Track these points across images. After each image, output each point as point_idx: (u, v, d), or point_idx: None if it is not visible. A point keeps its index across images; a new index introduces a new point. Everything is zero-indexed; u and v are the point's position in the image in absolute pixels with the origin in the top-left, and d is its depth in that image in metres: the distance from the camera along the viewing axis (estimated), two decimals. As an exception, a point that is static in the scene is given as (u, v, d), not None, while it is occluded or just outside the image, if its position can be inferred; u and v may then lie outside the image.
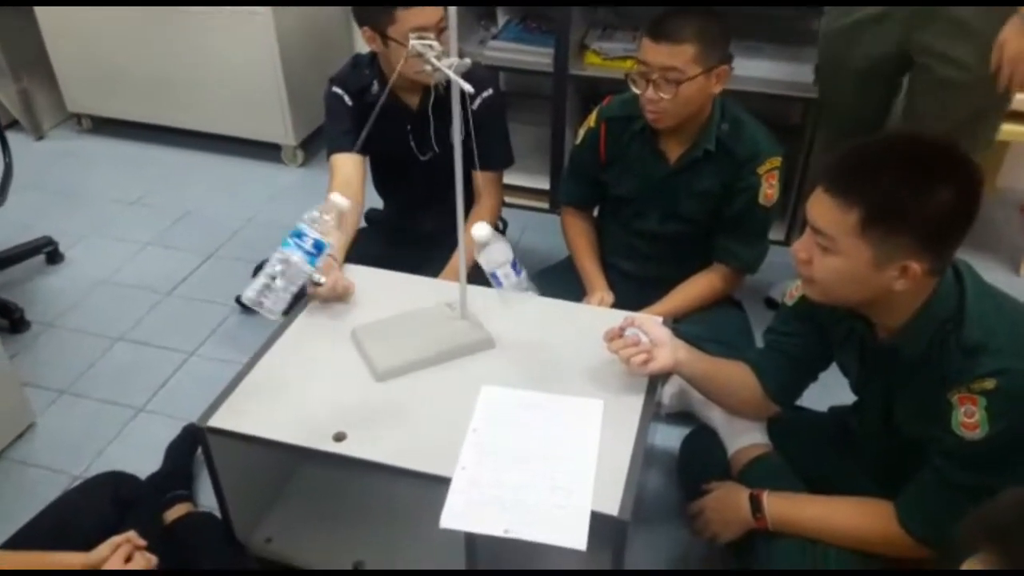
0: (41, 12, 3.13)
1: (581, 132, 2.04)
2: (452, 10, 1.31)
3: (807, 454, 1.60)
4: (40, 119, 3.41)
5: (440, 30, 1.79)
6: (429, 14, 1.80)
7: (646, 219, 2.02)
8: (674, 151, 1.92)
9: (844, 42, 2.05)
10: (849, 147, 1.24)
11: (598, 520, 1.26)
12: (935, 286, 1.25)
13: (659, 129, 1.87)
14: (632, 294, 1.96)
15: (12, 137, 3.22)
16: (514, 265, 1.56)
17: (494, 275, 1.57)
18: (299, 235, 1.37)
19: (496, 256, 1.54)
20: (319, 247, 1.38)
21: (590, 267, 2.07)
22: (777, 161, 1.88)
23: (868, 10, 1.97)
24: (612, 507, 1.27)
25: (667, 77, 1.74)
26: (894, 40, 1.97)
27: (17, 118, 3.36)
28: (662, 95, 1.75)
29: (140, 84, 3.18)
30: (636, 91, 1.81)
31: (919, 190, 1.15)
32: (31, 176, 3.07)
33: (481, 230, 1.52)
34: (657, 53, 1.73)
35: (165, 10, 2.95)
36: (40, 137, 3.41)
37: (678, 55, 1.72)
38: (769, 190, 1.88)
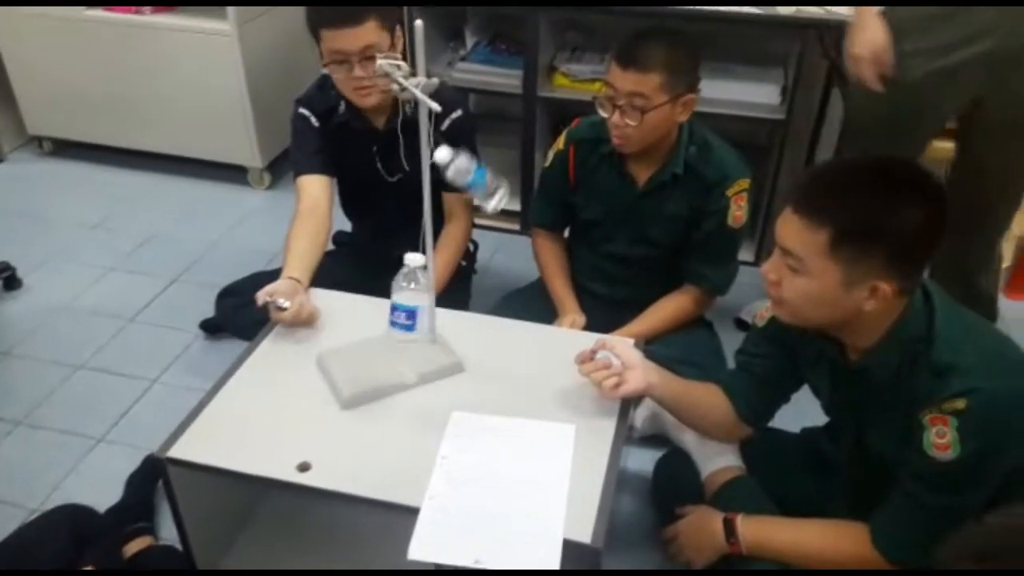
0: (0, 32, 3.07)
1: (550, 155, 2.04)
2: (419, 27, 1.29)
3: (780, 476, 1.60)
4: (-1, 142, 3.34)
5: (365, 58, 1.76)
6: (349, 39, 1.76)
7: (615, 242, 2.01)
8: (642, 174, 1.92)
9: (937, 86, 1.82)
10: (817, 167, 1.25)
11: (571, 548, 1.23)
12: (904, 307, 1.25)
13: (626, 153, 1.87)
14: (603, 316, 1.96)
15: (-31, 160, 3.19)
16: (480, 166, 1.46)
17: (471, 184, 1.46)
18: (393, 309, 1.45)
19: (463, 165, 1.44)
20: (412, 314, 1.47)
21: (561, 289, 2.06)
22: (746, 183, 1.88)
23: (963, 52, 1.77)
24: (585, 534, 1.25)
25: (633, 104, 1.74)
26: (979, 83, 1.81)
27: (-25, 141, 3.30)
28: (628, 121, 1.76)
29: (103, 106, 3.13)
30: (603, 114, 1.81)
31: (888, 209, 1.15)
32: (-11, 200, 3.01)
33: (440, 153, 1.40)
34: (624, 80, 1.74)
35: (129, 30, 2.91)
36: (-1, 160, 3.35)
37: (644, 83, 1.72)
38: (738, 212, 1.89)
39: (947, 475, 1.21)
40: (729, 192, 1.87)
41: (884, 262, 1.17)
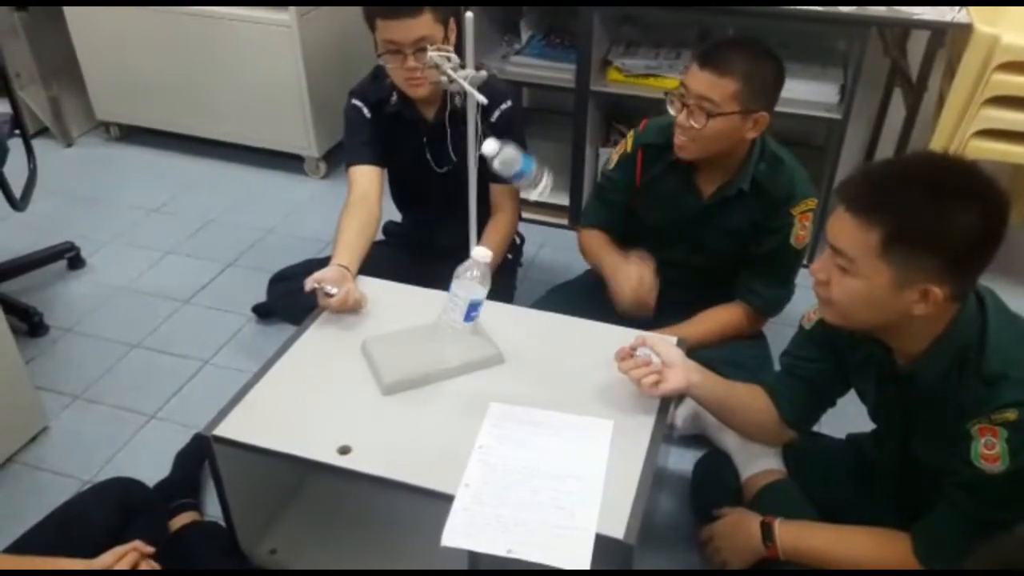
0: (72, 20, 3.18)
1: (615, 157, 2.00)
2: (469, 19, 1.30)
3: (822, 481, 1.57)
4: (69, 127, 3.45)
5: (419, 49, 1.77)
6: (401, 30, 1.78)
7: (673, 249, 1.97)
8: (708, 186, 1.88)
9: None
10: (872, 164, 1.22)
11: (603, 543, 1.23)
12: (956, 312, 1.22)
13: (689, 161, 1.82)
14: (652, 317, 1.92)
15: (42, 144, 3.31)
16: (527, 155, 1.46)
17: (519, 174, 1.46)
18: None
19: (510, 155, 1.44)
20: (474, 306, 1.48)
21: (614, 252, 1.94)
22: (813, 203, 1.84)
23: None
24: (618, 530, 1.24)
25: (701, 106, 1.69)
26: None
27: (47, 125, 3.41)
28: (692, 123, 1.71)
29: (167, 93, 3.22)
30: (672, 112, 1.77)
31: (944, 211, 1.12)
32: (58, 182, 3.12)
33: (487, 145, 1.42)
34: (699, 80, 1.69)
35: (193, 20, 2.99)
36: (69, 144, 3.46)
37: (718, 87, 1.67)
38: (801, 231, 1.84)
39: (994, 488, 1.18)
40: (795, 211, 1.82)
41: (937, 265, 1.14)
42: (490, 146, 1.39)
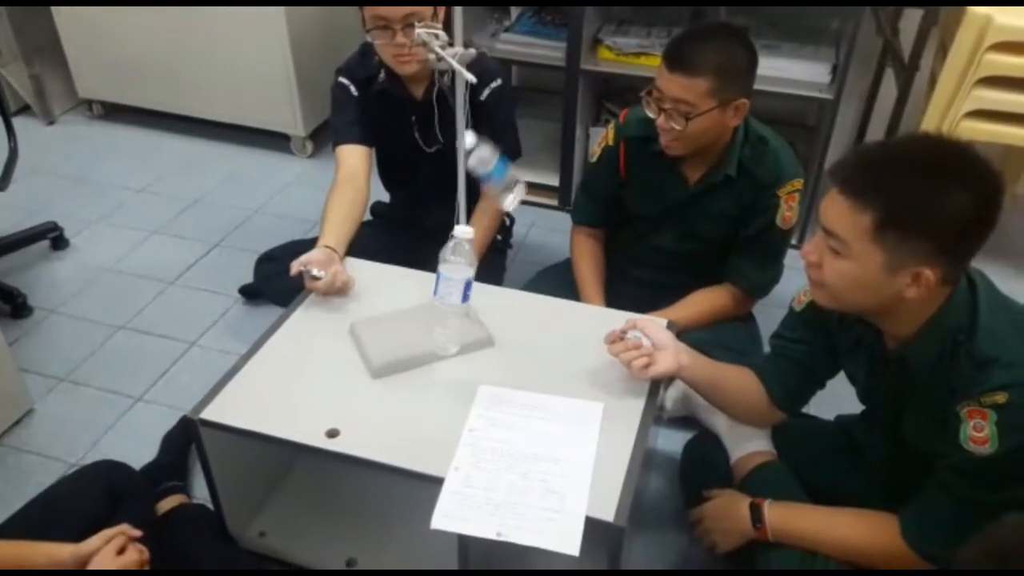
0: (54, -2, 3.13)
1: (597, 150, 1.98)
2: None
3: (812, 463, 1.57)
4: (51, 105, 3.40)
5: (407, 25, 1.74)
6: (391, 6, 1.74)
7: (661, 236, 1.97)
8: (693, 173, 1.86)
9: None
10: (865, 146, 1.20)
11: (594, 525, 1.23)
12: (948, 295, 1.21)
13: (675, 155, 1.81)
14: (642, 300, 1.91)
15: (23, 122, 3.26)
16: (502, 158, 1.44)
17: (490, 175, 1.44)
18: (443, 280, 1.44)
19: (485, 154, 1.41)
20: (468, 285, 1.47)
21: (593, 297, 1.98)
22: (799, 183, 1.83)
23: None
24: (608, 512, 1.24)
25: (678, 109, 1.67)
26: None
27: (29, 103, 3.36)
28: (673, 125, 1.69)
29: (151, 71, 3.16)
30: (649, 114, 1.74)
31: (937, 193, 1.11)
32: (40, 161, 3.07)
33: (466, 139, 1.40)
34: (670, 84, 1.66)
35: (177, -3, 2.94)
36: (51, 122, 3.41)
37: (691, 89, 1.64)
38: (788, 212, 1.83)
39: (983, 470, 1.18)
40: (781, 192, 1.81)
41: (930, 248, 1.13)
42: (468, 140, 1.38)
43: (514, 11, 2.79)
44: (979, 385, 1.16)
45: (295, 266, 1.65)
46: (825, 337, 1.45)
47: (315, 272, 1.63)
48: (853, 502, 1.41)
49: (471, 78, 1.27)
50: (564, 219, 2.20)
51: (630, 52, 2.56)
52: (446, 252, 1.45)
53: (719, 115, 1.69)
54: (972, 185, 1.12)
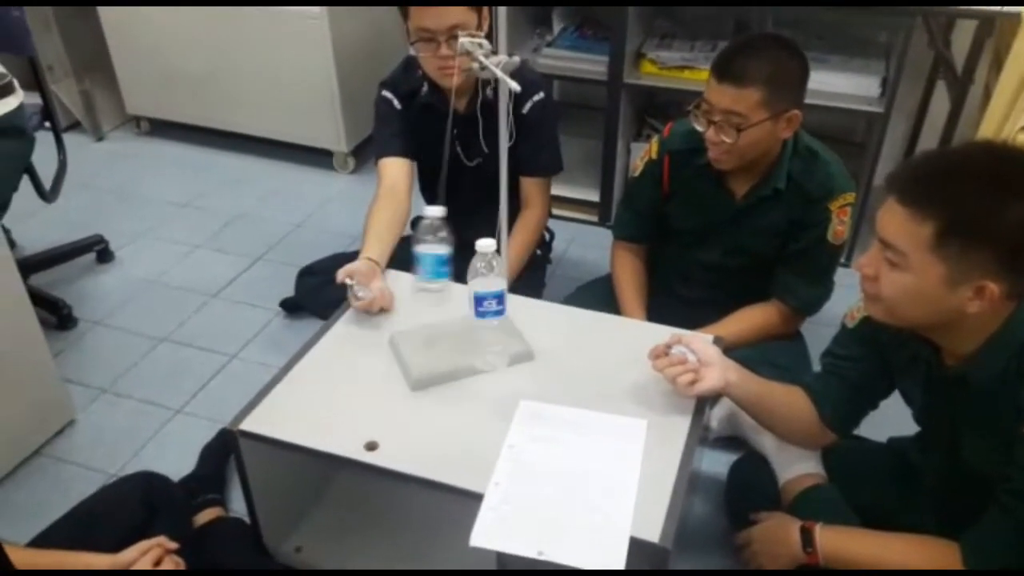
0: (104, 15, 3.19)
1: (640, 164, 1.94)
2: (501, 9, 1.26)
3: (864, 486, 1.51)
4: (100, 121, 3.47)
5: (452, 37, 1.73)
6: (434, 17, 1.74)
7: (707, 251, 1.92)
8: (741, 187, 1.82)
9: None
10: (925, 153, 1.16)
11: (637, 546, 1.19)
12: (1012, 311, 1.16)
13: (724, 169, 1.77)
14: (685, 317, 1.86)
15: (73, 138, 3.33)
16: (500, 300, 1.46)
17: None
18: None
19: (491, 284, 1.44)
20: (438, 261, 1.60)
21: (634, 312, 1.93)
22: (851, 197, 1.77)
23: None
24: (653, 533, 1.20)
25: (729, 121, 1.63)
26: None
27: (79, 119, 3.43)
28: (723, 138, 1.65)
29: (197, 88, 3.21)
30: (698, 128, 1.71)
31: (1002, 203, 1.06)
32: (88, 176, 3.13)
33: (487, 246, 1.41)
34: (720, 95, 1.63)
35: (224, 15, 2.98)
36: (100, 138, 3.47)
37: (742, 100, 1.61)
38: (839, 227, 1.78)
39: (1052, 495, 1.12)
40: (832, 206, 1.76)
41: (994, 260, 1.08)
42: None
43: (556, 26, 2.78)
44: (1047, 405, 1.11)
45: (341, 274, 1.64)
46: (879, 355, 1.39)
47: (359, 292, 1.62)
48: (906, 527, 1.35)
49: (515, 86, 1.26)
50: (604, 235, 2.17)
51: (673, 66, 2.53)
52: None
53: (771, 127, 1.65)
54: None
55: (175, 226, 2.90)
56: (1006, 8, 2.09)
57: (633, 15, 2.48)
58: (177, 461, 1.87)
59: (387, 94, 2.00)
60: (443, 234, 1.54)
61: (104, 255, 2.69)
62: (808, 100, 2.21)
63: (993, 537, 1.20)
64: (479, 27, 1.79)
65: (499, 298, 1.45)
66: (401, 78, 2.00)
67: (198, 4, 2.97)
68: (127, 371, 2.23)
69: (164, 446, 1.99)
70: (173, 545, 1.38)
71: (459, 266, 1.94)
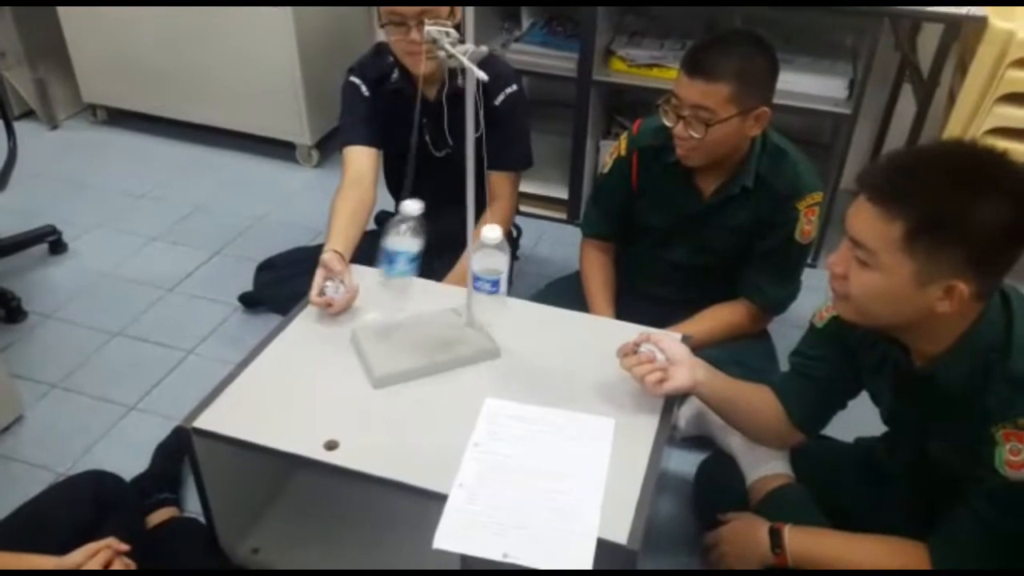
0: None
1: (609, 161, 1.93)
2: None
3: (832, 486, 1.51)
4: (55, 109, 3.37)
5: (422, 22, 1.70)
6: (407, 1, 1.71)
7: (675, 250, 1.91)
8: (708, 185, 1.81)
9: None
10: (896, 152, 1.15)
11: (605, 548, 1.16)
12: (981, 311, 1.15)
13: (691, 166, 1.76)
14: (653, 316, 1.85)
15: (26, 126, 3.23)
16: (495, 283, 1.46)
17: (481, 280, 1.49)
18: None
19: (495, 264, 1.44)
20: (407, 258, 1.53)
21: (603, 311, 1.92)
22: (819, 196, 1.77)
23: None
24: (621, 535, 1.18)
25: (698, 116, 1.62)
26: None
27: (32, 107, 3.33)
28: (692, 133, 1.64)
29: (157, 77, 3.13)
30: (667, 123, 1.69)
31: (973, 201, 1.05)
32: (41, 165, 3.03)
33: (493, 232, 1.42)
34: (690, 90, 1.61)
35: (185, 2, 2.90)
36: (54, 127, 3.37)
37: (711, 94, 1.59)
38: (807, 226, 1.77)
39: (1020, 496, 1.11)
40: (800, 205, 1.75)
41: (963, 260, 1.07)
42: (494, 233, 1.42)
43: (525, 21, 2.75)
44: (1015, 406, 1.11)
45: (317, 302, 1.59)
46: (847, 355, 1.39)
47: (335, 293, 1.59)
48: (875, 527, 1.35)
49: (482, 75, 1.22)
50: (572, 233, 2.15)
51: (643, 63, 2.52)
52: (390, 225, 1.50)
53: (739, 123, 1.64)
54: (1009, 195, 1.07)
55: (131, 217, 2.82)
56: (971, 9, 2.11)
57: (603, 12, 2.46)
58: (130, 459, 1.81)
59: (355, 80, 1.96)
60: (417, 230, 1.51)
61: (57, 246, 2.60)
62: (776, 101, 2.21)
63: (960, 537, 1.20)
64: (450, 15, 1.76)
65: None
66: (371, 64, 1.96)
67: (157, 4, 2.90)
68: (79, 366, 2.16)
69: (116, 444, 1.93)
70: (124, 546, 1.33)
71: (424, 261, 1.92)
